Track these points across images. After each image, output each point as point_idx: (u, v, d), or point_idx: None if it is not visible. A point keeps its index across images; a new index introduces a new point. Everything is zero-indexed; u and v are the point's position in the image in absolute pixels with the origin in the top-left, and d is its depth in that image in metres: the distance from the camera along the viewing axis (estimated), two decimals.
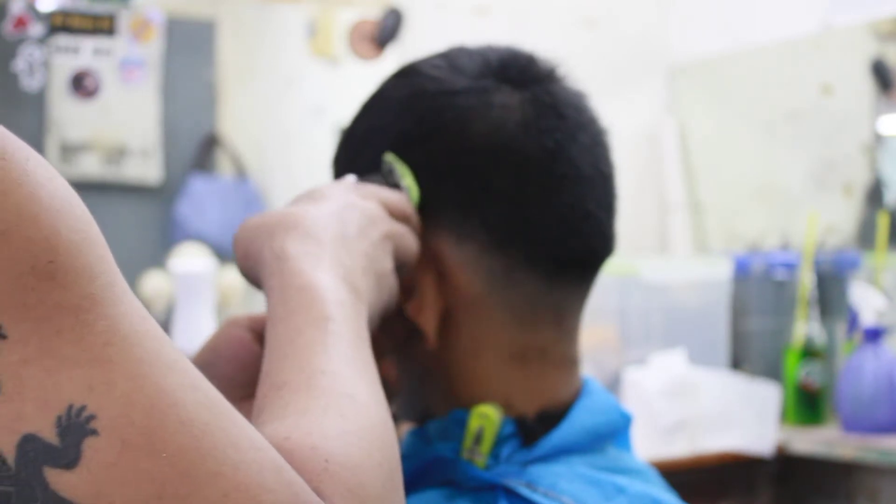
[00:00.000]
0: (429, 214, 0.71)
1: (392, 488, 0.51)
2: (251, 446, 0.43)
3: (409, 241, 0.68)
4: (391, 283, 0.66)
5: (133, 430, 0.40)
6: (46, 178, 0.41)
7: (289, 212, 0.63)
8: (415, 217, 0.70)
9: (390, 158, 0.71)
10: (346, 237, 0.63)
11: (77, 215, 0.42)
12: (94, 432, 0.40)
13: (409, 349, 0.74)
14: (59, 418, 0.40)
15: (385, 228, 0.66)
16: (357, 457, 0.49)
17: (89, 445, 0.40)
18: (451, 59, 0.74)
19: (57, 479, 0.39)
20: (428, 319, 0.71)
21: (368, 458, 0.49)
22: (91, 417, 0.40)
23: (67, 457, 0.40)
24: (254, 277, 0.63)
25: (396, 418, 0.78)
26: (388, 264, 0.66)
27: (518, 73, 0.73)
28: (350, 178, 0.71)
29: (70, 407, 0.40)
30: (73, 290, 0.41)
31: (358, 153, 0.75)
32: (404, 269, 0.70)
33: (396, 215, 0.68)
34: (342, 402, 0.52)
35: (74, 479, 0.39)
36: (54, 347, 0.40)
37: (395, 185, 0.71)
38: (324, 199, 0.65)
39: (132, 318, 0.42)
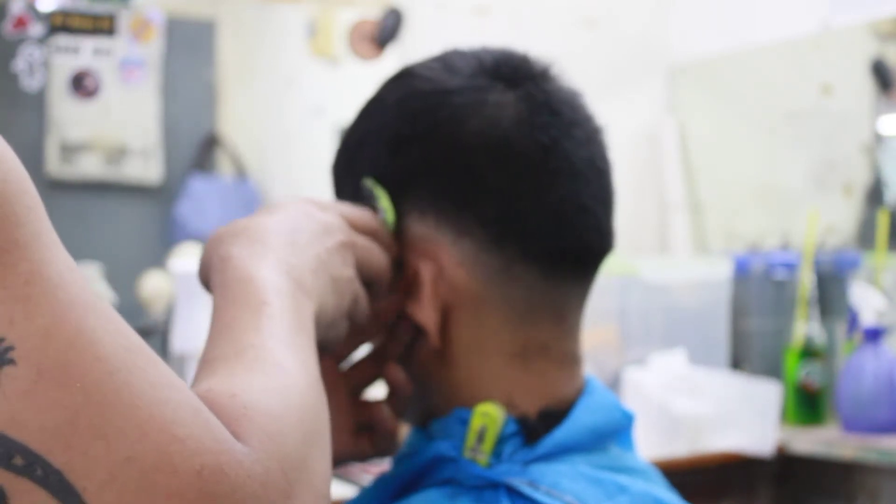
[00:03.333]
0: (426, 213, 0.71)
1: (311, 449, 0.51)
2: (169, 386, 0.45)
3: (376, 255, 0.70)
4: (353, 289, 0.67)
5: (49, 362, 0.42)
6: None
7: (241, 221, 0.65)
8: (384, 234, 0.71)
9: (369, 183, 0.73)
10: (296, 242, 0.64)
11: (4, 166, 0.43)
12: (11, 361, 0.41)
13: (412, 350, 0.74)
14: None
15: (343, 238, 0.67)
16: (276, 408, 0.50)
17: (6, 374, 0.41)
18: (446, 60, 0.75)
19: None
20: (429, 318, 0.71)
21: (287, 412, 0.51)
22: (9, 349, 0.41)
23: None
24: (207, 284, 0.64)
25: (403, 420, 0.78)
26: (346, 271, 0.67)
27: (511, 71, 0.74)
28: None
29: None
30: None
31: (355, 156, 0.76)
32: (375, 286, 0.71)
33: (361, 229, 0.70)
34: (267, 367, 0.53)
35: None
36: None
37: (374, 209, 0.72)
38: (279, 210, 0.66)
39: (57, 266, 0.44)
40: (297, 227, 0.65)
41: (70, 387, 0.42)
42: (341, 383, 0.75)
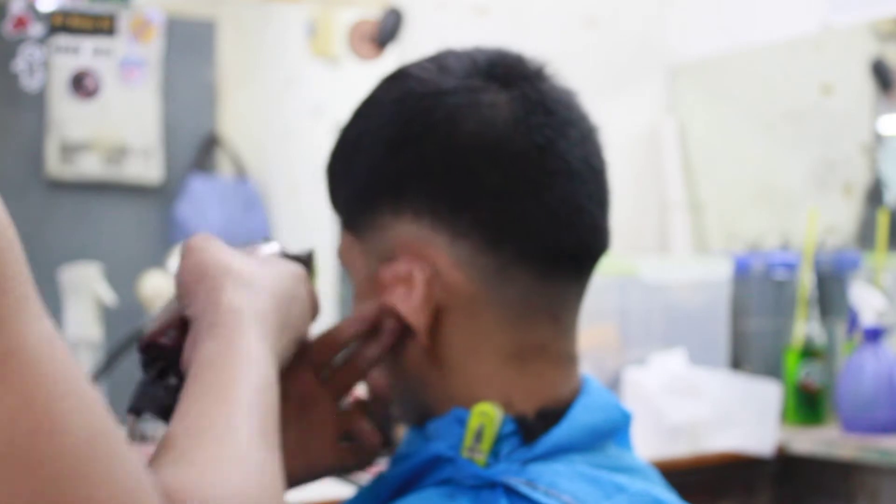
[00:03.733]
0: (422, 214, 0.71)
1: None
2: (129, 480, 0.45)
3: (311, 310, 0.74)
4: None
5: (13, 447, 0.41)
6: None
7: (242, 268, 0.68)
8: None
9: (313, 254, 0.77)
10: (288, 319, 0.68)
11: None
12: None
13: (401, 351, 0.74)
14: None
15: (307, 323, 0.73)
16: None
17: None
18: (440, 60, 0.75)
19: None
20: (420, 318, 0.71)
21: None
22: None
23: None
24: (188, 300, 0.67)
25: (396, 420, 0.79)
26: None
27: (506, 71, 0.73)
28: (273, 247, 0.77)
29: None
30: None
31: (351, 158, 0.75)
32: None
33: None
34: (234, 461, 0.54)
35: None
36: None
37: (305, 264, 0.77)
38: (278, 274, 0.70)
39: (37, 339, 0.43)
40: (292, 297, 0.69)
41: (30, 475, 0.42)
42: (323, 394, 0.75)
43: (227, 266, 0.67)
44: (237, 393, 0.58)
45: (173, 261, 2.27)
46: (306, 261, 0.77)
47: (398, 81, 0.75)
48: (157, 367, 0.69)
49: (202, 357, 0.61)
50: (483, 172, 0.71)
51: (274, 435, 0.59)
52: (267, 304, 0.66)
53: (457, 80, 0.73)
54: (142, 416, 0.68)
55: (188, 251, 0.69)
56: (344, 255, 0.77)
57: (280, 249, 0.76)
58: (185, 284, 0.67)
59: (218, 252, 0.68)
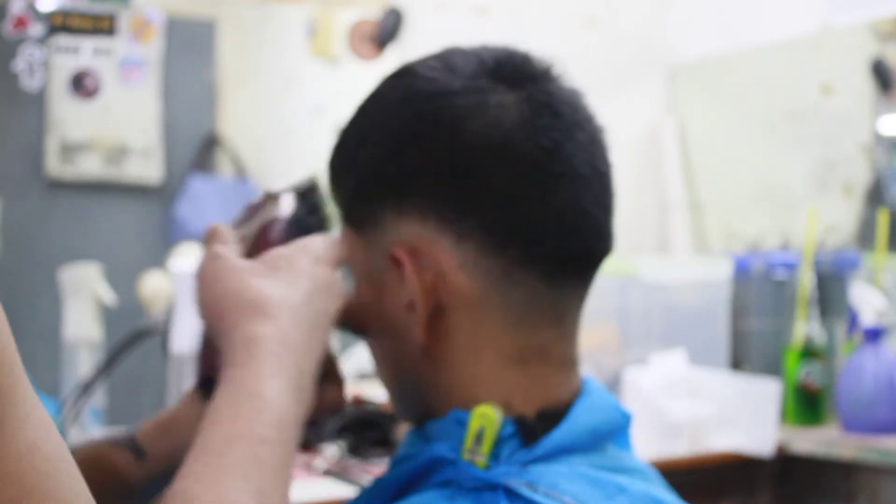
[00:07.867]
0: (427, 215, 0.71)
1: None
2: None
3: (340, 291, 0.74)
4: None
5: None
6: None
7: (261, 292, 0.69)
8: (344, 259, 0.75)
9: (316, 180, 0.75)
10: (310, 341, 0.69)
11: None
12: None
13: (409, 349, 0.74)
14: None
15: (338, 305, 0.72)
16: None
17: None
18: (447, 59, 0.74)
19: None
20: (419, 316, 0.71)
21: None
22: None
23: None
24: (215, 335, 0.70)
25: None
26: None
27: (513, 72, 0.73)
28: (286, 203, 0.79)
29: None
30: None
31: (355, 154, 0.75)
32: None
33: (340, 263, 0.75)
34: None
35: None
36: None
37: (313, 207, 0.77)
38: (293, 278, 0.71)
39: (19, 447, 0.46)
40: (315, 313, 0.70)
41: None
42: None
43: (242, 297, 0.69)
44: (235, 457, 0.60)
45: (173, 261, 2.27)
46: (307, 192, 0.77)
47: (405, 79, 0.74)
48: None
49: (214, 406, 0.64)
50: (489, 174, 0.70)
51: (273, 489, 0.61)
52: (286, 322, 0.68)
53: (464, 80, 0.72)
54: None
55: (204, 284, 0.72)
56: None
57: (278, 196, 0.79)
58: (209, 320, 0.71)
59: (231, 281, 0.70)
